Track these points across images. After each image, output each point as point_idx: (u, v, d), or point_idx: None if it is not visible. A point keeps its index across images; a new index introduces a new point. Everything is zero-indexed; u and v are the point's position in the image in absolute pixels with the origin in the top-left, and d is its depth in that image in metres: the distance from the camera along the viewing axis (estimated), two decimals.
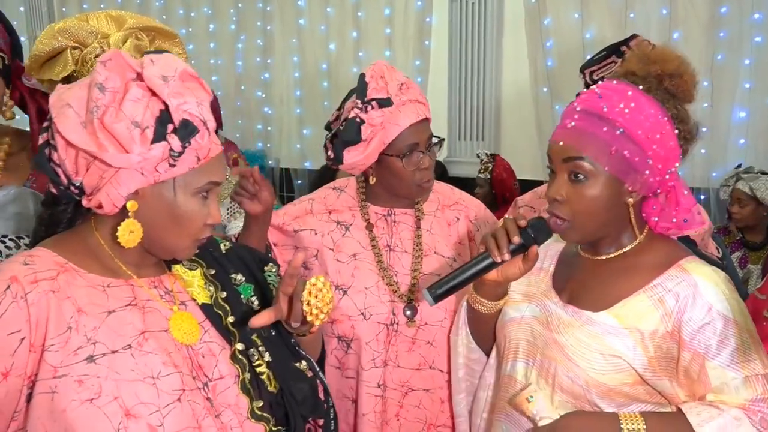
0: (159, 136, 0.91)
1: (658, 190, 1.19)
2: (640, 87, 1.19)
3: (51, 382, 0.89)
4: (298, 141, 4.80)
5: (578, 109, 1.16)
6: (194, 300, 1.06)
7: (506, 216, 1.22)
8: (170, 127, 0.92)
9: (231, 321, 1.06)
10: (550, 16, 3.90)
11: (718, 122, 3.58)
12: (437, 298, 1.17)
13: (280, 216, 1.62)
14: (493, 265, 1.18)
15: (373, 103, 1.51)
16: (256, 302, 1.12)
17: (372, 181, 1.59)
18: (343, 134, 1.53)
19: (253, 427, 1.01)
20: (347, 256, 1.58)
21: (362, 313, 1.55)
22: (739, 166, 3.29)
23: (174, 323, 1.00)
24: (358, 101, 1.52)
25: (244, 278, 1.13)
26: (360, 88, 1.54)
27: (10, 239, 1.37)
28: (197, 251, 1.06)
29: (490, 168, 3.71)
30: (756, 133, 3.53)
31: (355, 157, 1.53)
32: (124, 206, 0.95)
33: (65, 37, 1.61)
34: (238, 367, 1.03)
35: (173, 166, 0.94)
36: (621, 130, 1.12)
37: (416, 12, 4.34)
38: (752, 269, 3.19)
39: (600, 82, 1.22)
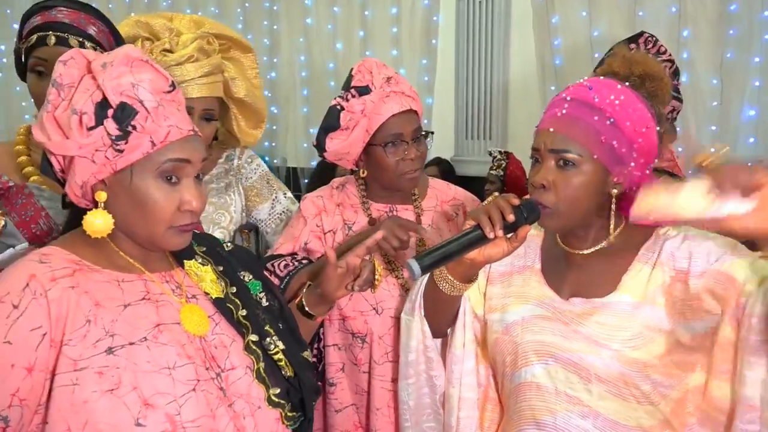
0: (98, 122, 0.93)
1: (634, 187, 1.21)
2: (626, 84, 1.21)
3: (72, 374, 0.91)
4: (304, 140, 4.80)
5: (568, 98, 1.17)
6: (206, 294, 1.08)
7: (496, 193, 1.21)
8: (110, 112, 0.93)
9: (243, 314, 1.08)
10: (558, 14, 3.88)
11: (728, 121, 3.55)
12: (425, 269, 1.12)
13: (303, 224, 1.65)
14: (482, 241, 1.14)
15: (353, 90, 1.59)
16: (264, 299, 1.14)
17: (363, 173, 1.63)
18: (323, 121, 1.61)
19: (266, 415, 1.03)
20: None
21: (374, 308, 1.57)
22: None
23: (184, 315, 1.01)
24: (342, 91, 1.61)
25: (252, 276, 1.16)
26: (346, 80, 1.63)
27: None
28: (190, 241, 1.05)
29: (503, 165, 3.71)
30: (766, 131, 3.50)
31: (338, 145, 1.58)
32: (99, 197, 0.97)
33: (142, 29, 1.70)
34: (252, 357, 1.06)
35: (120, 151, 0.94)
36: (611, 120, 1.14)
37: (423, 11, 4.33)
38: None
39: (587, 77, 1.23)
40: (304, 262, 1.59)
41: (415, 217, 1.66)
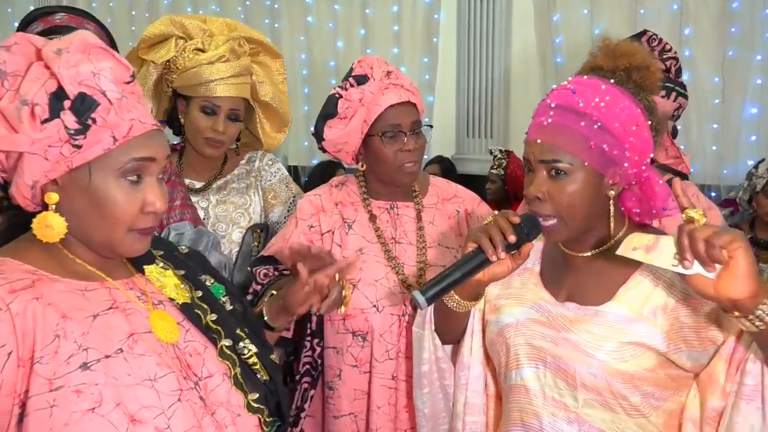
0: (53, 114, 0.83)
1: (634, 182, 1.18)
2: (612, 80, 1.17)
3: (48, 396, 0.81)
4: (305, 138, 4.81)
5: (553, 105, 1.14)
6: (171, 300, 1.00)
7: (496, 212, 1.17)
8: (67, 103, 0.84)
9: (213, 319, 1.01)
10: (560, 12, 3.88)
11: (729, 119, 3.55)
12: (430, 301, 1.11)
13: (299, 221, 1.62)
14: (485, 264, 1.13)
15: (351, 80, 1.59)
16: (228, 303, 1.07)
17: (362, 167, 1.62)
18: (322, 109, 1.61)
19: (246, 422, 0.98)
20: (352, 252, 1.58)
21: (375, 306, 1.56)
22: (763, 160, 3.20)
23: (154, 323, 0.93)
24: (341, 82, 1.62)
25: (213, 280, 1.08)
26: (347, 73, 1.63)
27: None
28: (150, 246, 0.96)
29: (504, 164, 3.71)
30: None
31: (337, 134, 1.57)
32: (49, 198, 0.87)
33: (177, 28, 1.76)
34: (228, 363, 0.99)
35: (78, 147, 0.84)
36: (599, 124, 1.11)
37: (424, 9, 4.33)
38: (763, 268, 3.15)
39: (570, 78, 1.20)
40: (286, 273, 1.57)
41: (415, 213, 1.65)
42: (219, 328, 1.00)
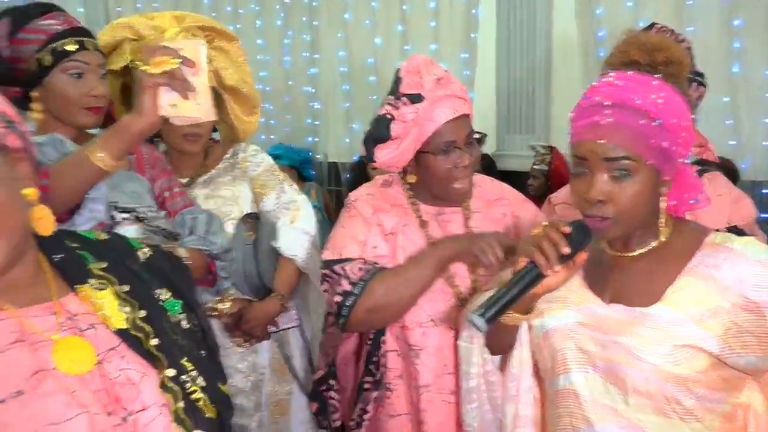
0: None
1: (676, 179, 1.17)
2: (656, 76, 1.14)
3: None
4: (346, 135, 4.82)
5: (607, 104, 1.10)
6: (105, 323, 0.88)
7: (546, 223, 1.13)
8: None
9: (154, 344, 0.89)
10: (603, 5, 3.80)
11: None
12: (490, 322, 1.06)
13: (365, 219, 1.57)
14: (540, 278, 1.10)
15: (404, 98, 1.48)
16: (186, 321, 0.94)
17: (412, 179, 1.55)
18: (373, 131, 1.51)
19: None
20: (406, 258, 1.52)
21: (432, 320, 1.51)
22: None
23: (57, 354, 0.80)
24: (391, 97, 1.51)
25: (170, 294, 0.94)
26: (394, 84, 1.53)
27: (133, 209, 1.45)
28: (89, 258, 0.83)
29: (548, 160, 3.66)
30: None
31: (388, 155, 1.49)
32: None
33: (126, 31, 1.73)
34: (169, 396, 0.87)
35: None
36: (658, 121, 1.09)
37: (463, 4, 4.29)
38: None
39: (611, 73, 1.15)
40: (377, 266, 1.52)
41: (463, 219, 1.59)
42: (161, 355, 0.89)
